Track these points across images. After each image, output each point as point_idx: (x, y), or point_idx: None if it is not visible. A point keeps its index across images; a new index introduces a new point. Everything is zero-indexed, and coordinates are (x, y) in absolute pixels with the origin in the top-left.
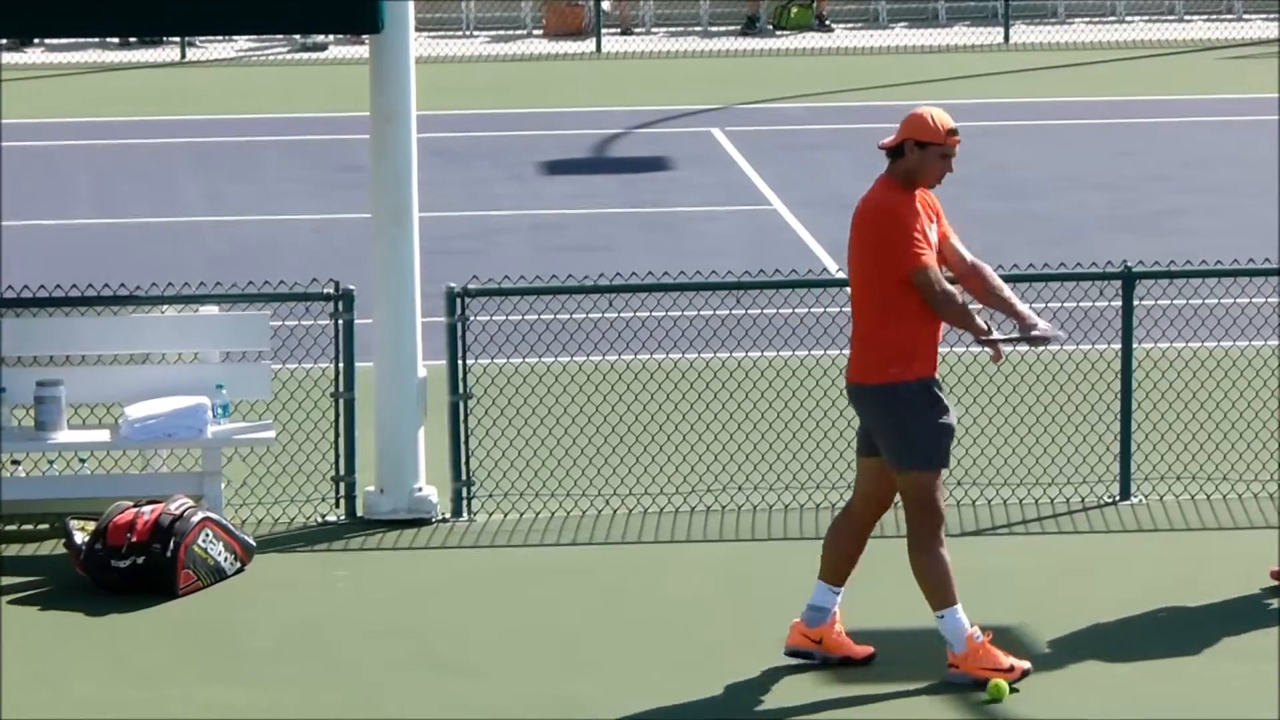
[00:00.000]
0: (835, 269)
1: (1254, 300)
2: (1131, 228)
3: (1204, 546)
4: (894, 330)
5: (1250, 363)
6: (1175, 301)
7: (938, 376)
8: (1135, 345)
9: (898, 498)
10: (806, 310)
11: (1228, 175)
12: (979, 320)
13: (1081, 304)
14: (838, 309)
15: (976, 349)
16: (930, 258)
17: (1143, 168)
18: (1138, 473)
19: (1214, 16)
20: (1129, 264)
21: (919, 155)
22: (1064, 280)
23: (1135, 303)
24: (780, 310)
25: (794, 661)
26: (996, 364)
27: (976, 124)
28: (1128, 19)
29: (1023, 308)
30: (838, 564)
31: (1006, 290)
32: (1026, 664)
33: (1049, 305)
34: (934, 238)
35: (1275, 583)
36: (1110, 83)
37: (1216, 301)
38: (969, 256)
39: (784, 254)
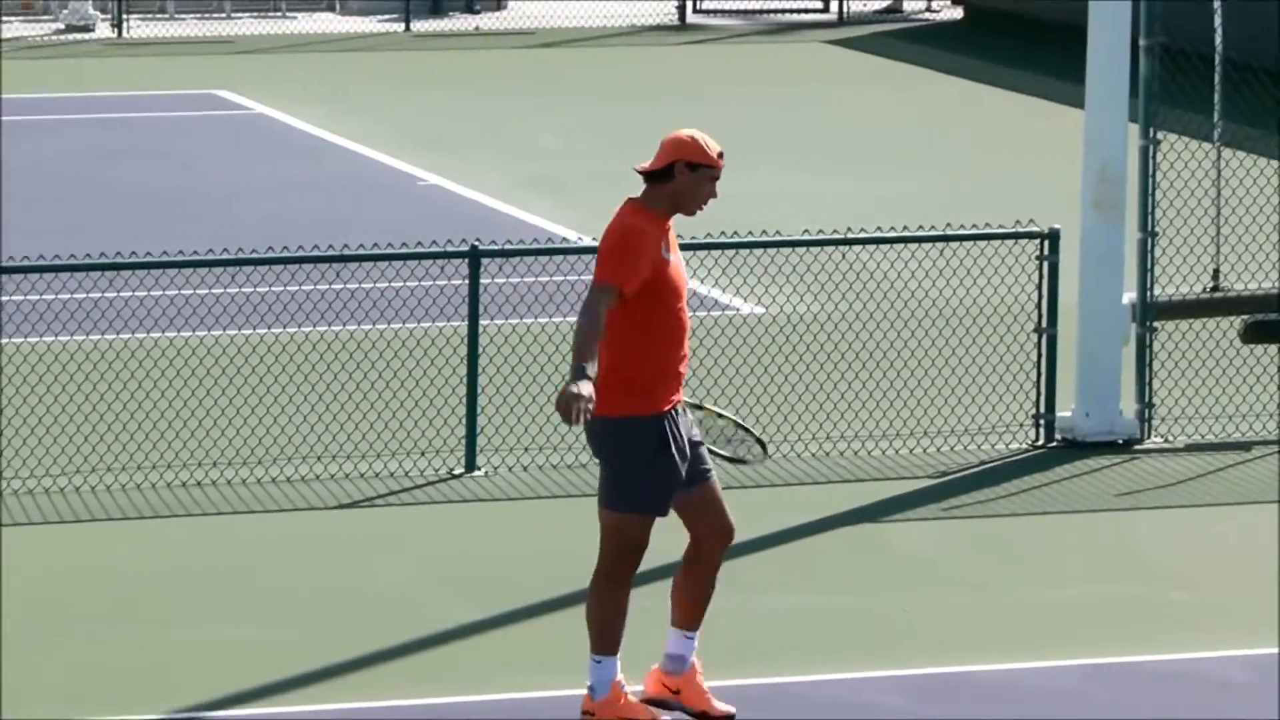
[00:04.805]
0: None
1: None
2: None
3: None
4: (629, 360)
5: None
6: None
7: (676, 411)
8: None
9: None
10: None
11: None
12: (588, 366)
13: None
14: None
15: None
16: (627, 283)
17: None
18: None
19: None
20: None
21: (690, 178)
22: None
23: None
24: None
25: None
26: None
27: None
28: None
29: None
30: (688, 611)
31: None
32: (667, 717)
33: None
34: (673, 261)
35: None
36: None
37: None
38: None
39: None
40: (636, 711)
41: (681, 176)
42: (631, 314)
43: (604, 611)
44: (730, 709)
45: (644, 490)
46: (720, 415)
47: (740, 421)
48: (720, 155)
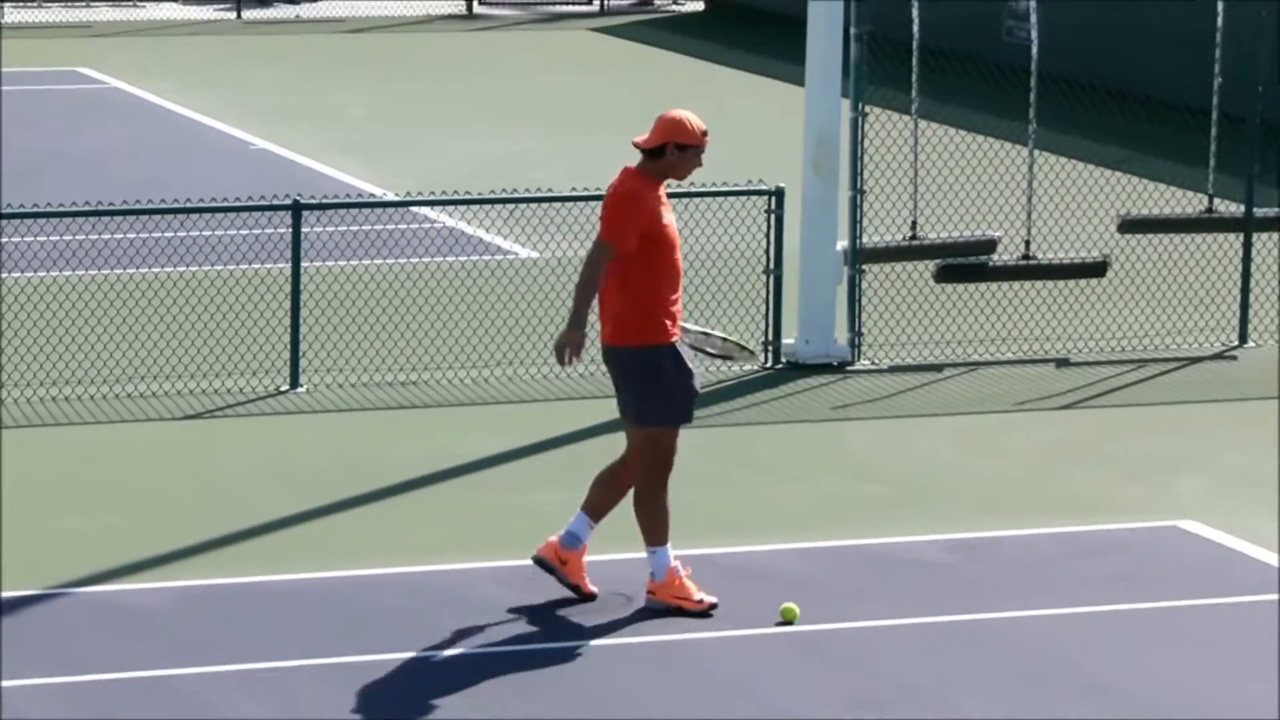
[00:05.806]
0: None
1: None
2: None
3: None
4: (640, 299)
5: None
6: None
7: (676, 341)
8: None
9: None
10: None
11: None
12: (583, 313)
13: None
14: None
15: None
16: (622, 243)
17: None
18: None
19: None
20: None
21: (679, 156)
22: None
23: None
24: None
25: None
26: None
27: None
28: None
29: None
30: (600, 504)
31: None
32: (714, 599)
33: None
34: (669, 220)
35: None
36: None
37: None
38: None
39: None
40: (689, 592)
41: (672, 155)
42: (642, 262)
43: (651, 514)
44: (594, 591)
45: (668, 405)
46: (713, 334)
47: (728, 337)
48: (704, 134)
